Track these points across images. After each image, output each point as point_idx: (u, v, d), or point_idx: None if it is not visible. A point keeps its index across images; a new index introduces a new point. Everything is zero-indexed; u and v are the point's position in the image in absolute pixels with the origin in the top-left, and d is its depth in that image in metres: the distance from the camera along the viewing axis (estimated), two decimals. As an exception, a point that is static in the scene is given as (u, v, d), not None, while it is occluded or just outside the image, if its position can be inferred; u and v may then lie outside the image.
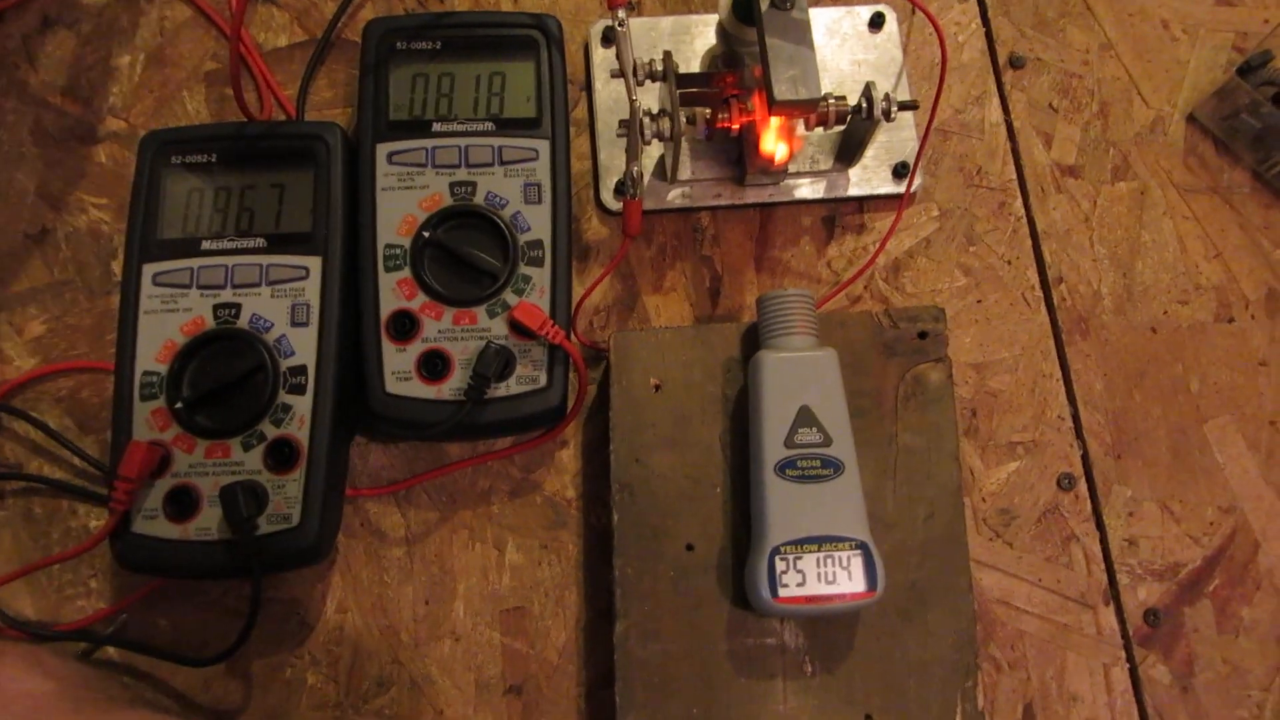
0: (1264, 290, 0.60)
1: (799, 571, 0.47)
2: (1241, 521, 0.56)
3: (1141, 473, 0.57)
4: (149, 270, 0.52)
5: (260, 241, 0.52)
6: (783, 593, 0.47)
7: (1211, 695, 0.53)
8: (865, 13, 0.63)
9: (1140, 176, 0.63)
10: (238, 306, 0.51)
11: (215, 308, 0.51)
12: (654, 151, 0.60)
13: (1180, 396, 0.58)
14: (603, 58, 0.61)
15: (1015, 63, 0.64)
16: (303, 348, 0.51)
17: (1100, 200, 0.62)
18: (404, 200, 0.54)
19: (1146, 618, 0.55)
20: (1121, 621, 0.55)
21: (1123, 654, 0.54)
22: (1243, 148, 0.63)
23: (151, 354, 0.51)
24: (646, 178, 0.60)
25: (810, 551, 0.47)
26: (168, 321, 0.51)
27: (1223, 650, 0.54)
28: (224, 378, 0.50)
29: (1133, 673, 0.54)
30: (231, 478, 0.49)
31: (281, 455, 0.50)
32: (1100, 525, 0.56)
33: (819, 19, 0.63)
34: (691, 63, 0.62)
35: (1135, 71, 0.65)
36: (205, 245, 0.52)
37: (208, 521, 0.49)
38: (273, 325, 0.51)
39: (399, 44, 0.56)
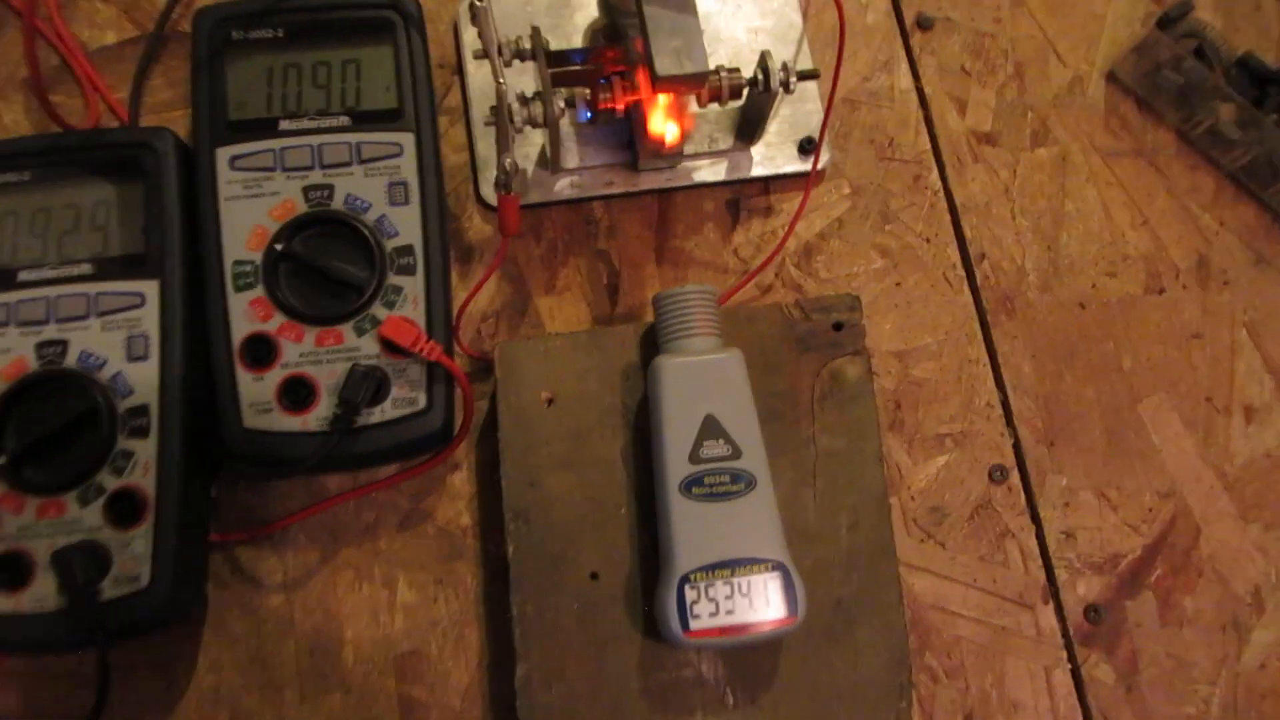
0: (1194, 258, 0.57)
1: (711, 600, 0.43)
2: (1181, 506, 0.53)
3: (1076, 460, 0.54)
4: (-42, 309, 0.45)
5: (86, 268, 0.46)
6: (694, 625, 0.42)
7: (1157, 692, 0.50)
8: (760, -24, 0.58)
9: (1060, 141, 0.59)
10: (64, 344, 0.45)
11: (38, 346, 0.45)
12: (536, 140, 0.55)
13: (1112, 375, 0.55)
14: (472, 37, 0.55)
15: (923, 23, 0.60)
16: (143, 385, 0.45)
17: (1020, 169, 0.58)
18: (252, 210, 0.48)
19: (1087, 614, 0.51)
20: (1062, 620, 0.51)
21: (1064, 655, 0.51)
22: (1165, 106, 0.59)
23: (-33, 404, 0.45)
24: (530, 168, 0.54)
25: (722, 577, 0.43)
26: (-16, 366, 0.45)
27: (1166, 644, 0.51)
28: (52, 426, 0.44)
29: (1075, 674, 0.51)
30: (69, 538, 0.44)
31: (125, 508, 0.44)
32: (1036, 518, 0.53)
33: (709, -16, 0.58)
34: (573, 38, 0.56)
35: (1050, 28, 0.61)
36: (23, 276, 0.46)
37: (44, 590, 0.43)
38: (106, 361, 0.45)
39: (235, 34, 0.49)
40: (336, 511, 0.51)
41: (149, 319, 0.46)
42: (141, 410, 0.45)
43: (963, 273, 0.56)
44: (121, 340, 0.45)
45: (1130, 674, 0.50)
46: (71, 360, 0.45)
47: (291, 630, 0.49)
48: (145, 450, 0.45)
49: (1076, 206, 0.58)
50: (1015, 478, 0.53)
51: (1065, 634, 0.51)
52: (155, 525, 0.44)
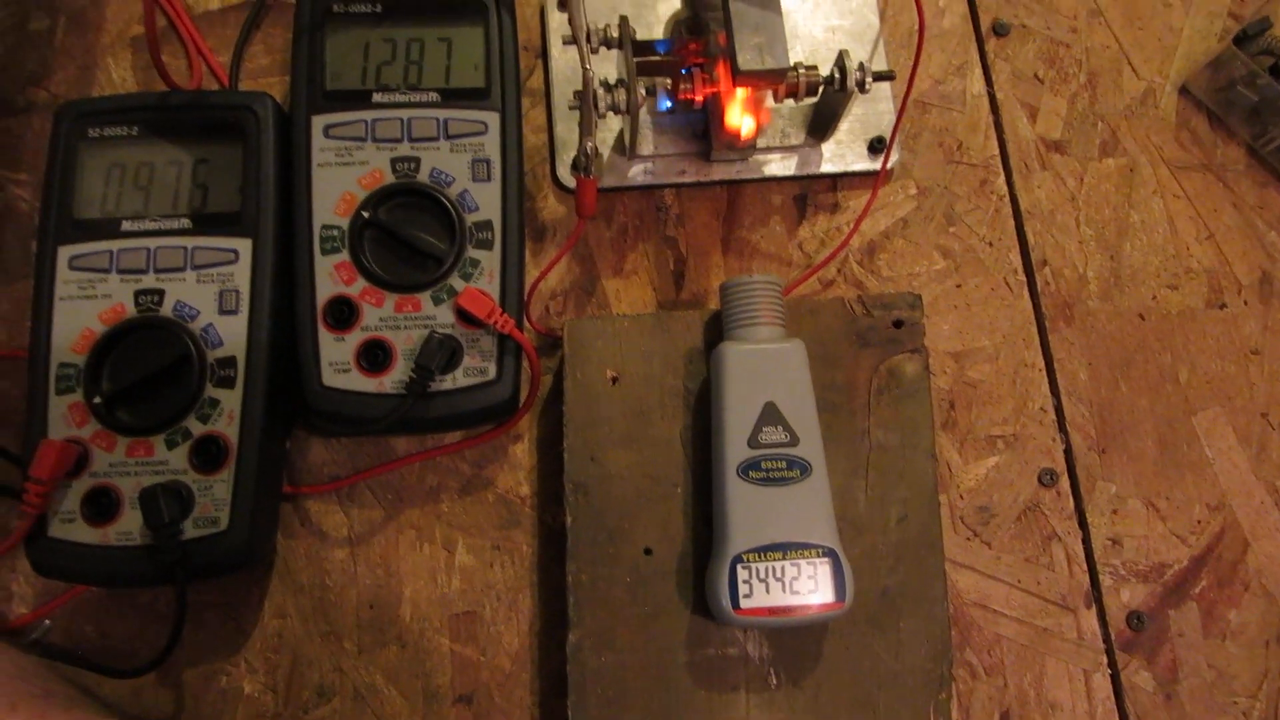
0: (1258, 274, 0.57)
1: (762, 581, 0.44)
2: (1230, 519, 0.54)
3: (1126, 468, 0.54)
4: (65, 253, 0.48)
5: (185, 222, 0.48)
6: (745, 604, 0.44)
7: (1196, 703, 0.51)
8: (841, -24, 0.59)
9: (1129, 152, 0.59)
10: (161, 293, 0.48)
11: (137, 294, 0.48)
12: (614, 125, 0.56)
13: (1168, 387, 0.55)
14: (558, 22, 0.57)
15: (999, 30, 0.61)
16: (231, 337, 0.47)
17: (1087, 178, 0.59)
18: (342, 177, 0.50)
19: (1130, 621, 0.52)
20: (1104, 625, 0.52)
21: (1104, 659, 0.52)
22: (1238, 122, 0.59)
23: (68, 344, 0.47)
24: (606, 153, 0.56)
25: (774, 559, 0.44)
26: (85, 309, 0.47)
27: (1208, 655, 0.52)
28: (146, 370, 0.47)
29: (1114, 679, 0.51)
30: (155, 478, 0.46)
31: (208, 454, 0.46)
32: (1083, 524, 0.53)
33: (791, -18, 0.59)
34: (655, 28, 0.58)
35: (1125, 40, 0.61)
36: (126, 226, 0.48)
37: (129, 525, 0.46)
38: (199, 313, 0.48)
39: (336, 7, 0.51)
40: (403, 473, 0.53)
41: (241, 275, 0.48)
42: (229, 362, 0.47)
43: (1023, 278, 0.57)
44: (214, 293, 0.48)
45: (1170, 682, 0.51)
46: (167, 309, 0.47)
47: (354, 583, 0.51)
48: (230, 400, 0.47)
49: (1142, 218, 0.58)
50: (1065, 482, 0.54)
51: (1107, 639, 0.52)
52: (236, 472, 0.46)
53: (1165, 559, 0.53)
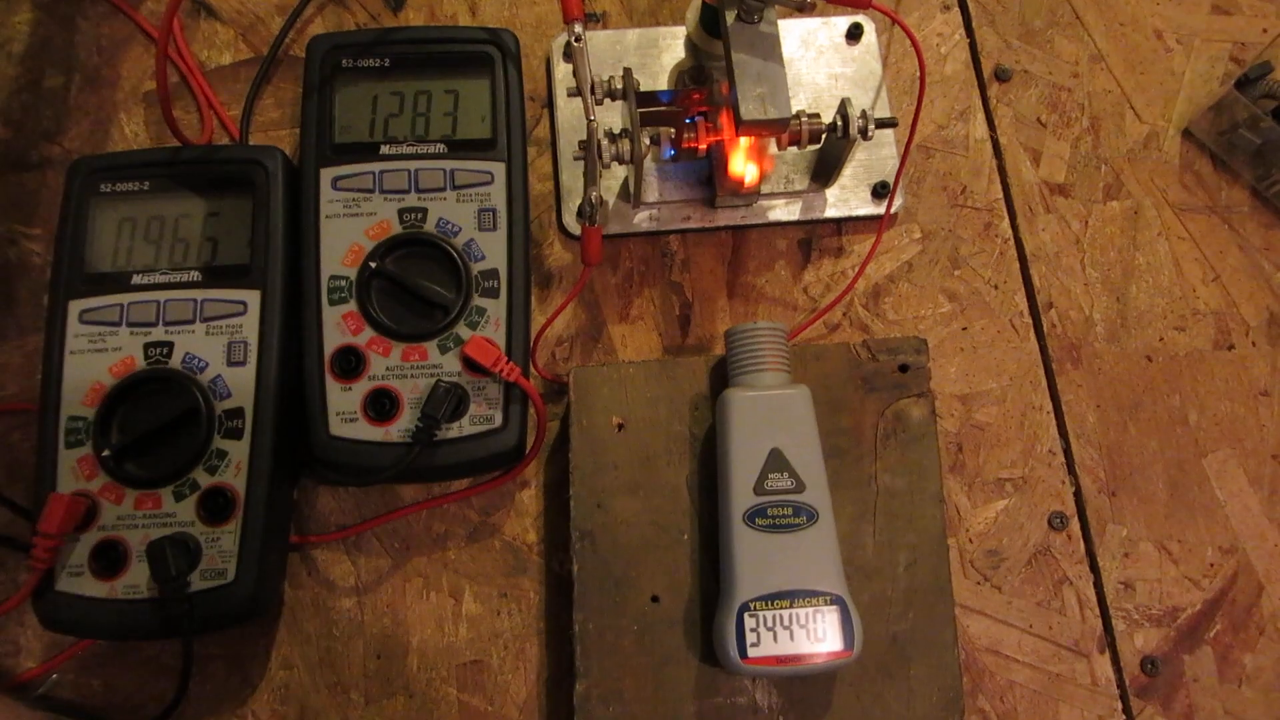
0: (1265, 315, 0.57)
1: (769, 630, 0.44)
2: (1244, 562, 0.53)
3: (1137, 511, 0.54)
4: (75, 307, 0.49)
5: (195, 275, 0.49)
6: (752, 653, 0.43)
7: (1214, 750, 0.50)
8: (842, 24, 0.60)
9: (1133, 195, 0.59)
10: (170, 345, 0.48)
11: (146, 347, 0.48)
12: (619, 173, 0.57)
13: (1178, 429, 0.55)
14: (564, 73, 0.58)
15: (1001, 75, 0.61)
16: (240, 389, 0.48)
17: (1091, 220, 0.59)
18: (350, 228, 0.50)
19: (1144, 666, 0.51)
20: (1118, 670, 0.51)
21: (1119, 705, 0.51)
22: (1241, 164, 0.59)
23: (78, 397, 0.47)
24: (611, 200, 0.56)
25: (782, 608, 0.44)
26: (95, 362, 0.48)
27: (1225, 701, 0.51)
28: (155, 422, 0.47)
29: (1130, 726, 0.51)
30: (163, 530, 0.46)
31: (216, 505, 0.46)
32: (1094, 567, 0.53)
33: (793, 30, 0.60)
34: (659, 78, 0.58)
35: (1127, 84, 0.62)
36: (136, 279, 0.49)
37: (136, 578, 0.46)
38: (208, 365, 0.48)
39: (345, 62, 0.52)
40: (409, 520, 0.53)
41: (249, 326, 0.48)
42: (237, 413, 0.47)
43: (1029, 320, 0.57)
44: (223, 345, 0.48)
45: (1186, 730, 0.50)
46: (176, 361, 0.48)
47: (361, 633, 0.51)
48: (238, 451, 0.47)
49: (1147, 260, 0.58)
50: (1075, 526, 0.54)
51: (1121, 685, 0.51)
52: (243, 524, 0.47)
53: (1178, 603, 0.52)
